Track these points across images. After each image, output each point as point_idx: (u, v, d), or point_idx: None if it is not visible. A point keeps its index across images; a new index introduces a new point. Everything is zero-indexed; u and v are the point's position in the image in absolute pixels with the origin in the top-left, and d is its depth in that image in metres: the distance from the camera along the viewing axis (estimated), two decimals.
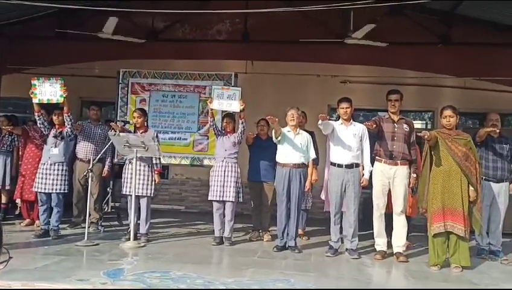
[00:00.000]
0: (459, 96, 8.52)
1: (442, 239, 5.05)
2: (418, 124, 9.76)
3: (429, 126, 9.57)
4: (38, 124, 6.14)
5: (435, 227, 5.03)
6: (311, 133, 6.08)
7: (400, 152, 5.45)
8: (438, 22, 8.08)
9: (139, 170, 5.87)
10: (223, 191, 5.92)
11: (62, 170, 6.02)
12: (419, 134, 5.19)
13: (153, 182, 5.98)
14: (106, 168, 6.75)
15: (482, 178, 5.44)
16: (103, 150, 6.35)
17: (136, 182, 5.81)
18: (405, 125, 5.54)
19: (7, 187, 7.10)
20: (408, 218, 5.68)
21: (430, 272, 4.98)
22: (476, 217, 5.10)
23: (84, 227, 5.85)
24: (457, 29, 7.83)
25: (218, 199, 5.95)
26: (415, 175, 5.51)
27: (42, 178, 5.96)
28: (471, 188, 5.04)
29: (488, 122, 5.76)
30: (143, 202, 5.95)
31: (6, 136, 7.23)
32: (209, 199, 6.09)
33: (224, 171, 5.97)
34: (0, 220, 1.32)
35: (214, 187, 5.99)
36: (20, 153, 7.11)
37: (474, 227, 5.16)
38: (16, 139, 7.25)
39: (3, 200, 7.16)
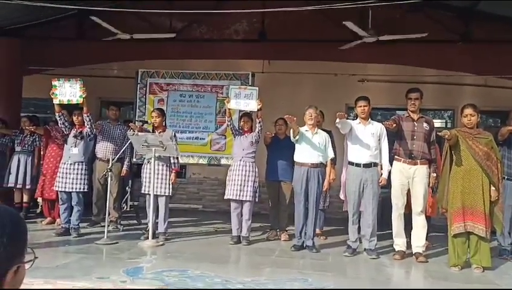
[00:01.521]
0: (480, 95, 8.37)
1: (462, 239, 4.97)
2: (438, 123, 9.64)
3: (449, 125, 9.44)
4: (59, 124, 6.23)
5: (455, 227, 4.96)
6: (329, 133, 6.05)
7: (419, 151, 5.38)
8: (458, 19, 7.96)
9: (158, 169, 5.91)
10: (241, 191, 5.92)
11: (82, 169, 6.10)
12: (439, 133, 5.12)
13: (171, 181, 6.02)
14: (125, 167, 6.81)
15: (504, 177, 5.35)
16: (122, 150, 6.41)
17: (155, 181, 5.85)
18: (425, 124, 5.47)
19: (28, 186, 7.22)
20: (428, 218, 5.62)
21: (451, 272, 4.92)
22: (497, 217, 5.01)
23: (104, 226, 5.93)
24: (477, 27, 7.70)
25: (235, 198, 5.95)
26: (434, 175, 5.45)
27: (63, 177, 6.05)
28: (492, 187, 4.96)
29: (510, 120, 5.67)
30: (161, 201, 6.00)
31: (28, 136, 7.35)
32: (225, 197, 6.10)
33: (242, 170, 5.97)
34: (24, 219, 1.33)
35: (231, 186, 5.99)
36: (42, 152, 7.22)
37: (496, 227, 5.09)
38: (37, 139, 7.36)
39: (25, 199, 7.28)
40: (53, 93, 5.94)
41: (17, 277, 1.13)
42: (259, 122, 5.94)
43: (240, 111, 6.48)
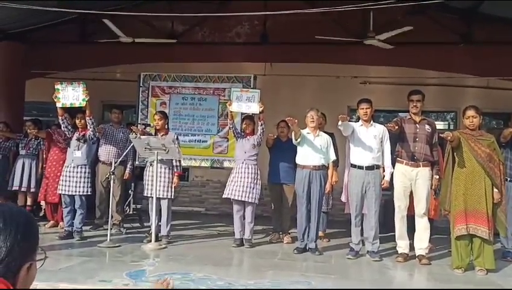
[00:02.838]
0: (482, 96, 8.37)
1: (465, 242, 4.96)
2: (440, 125, 9.63)
3: (452, 127, 9.43)
4: (62, 128, 6.24)
5: (457, 229, 4.94)
6: (331, 135, 6.05)
7: (422, 153, 5.37)
8: (460, 21, 7.96)
9: (160, 172, 5.92)
10: (243, 192, 5.92)
11: (85, 172, 6.11)
12: (442, 135, 5.11)
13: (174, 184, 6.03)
14: (128, 170, 6.81)
15: (507, 179, 5.34)
16: (125, 153, 6.42)
17: (157, 184, 5.86)
18: (427, 126, 5.46)
19: (32, 190, 7.23)
20: (430, 220, 5.61)
21: (454, 274, 4.91)
22: (500, 219, 5.00)
23: (107, 229, 5.93)
24: (480, 28, 7.69)
25: (237, 198, 5.94)
26: (437, 177, 5.44)
27: (66, 180, 6.06)
28: (495, 189, 4.95)
29: None
30: (164, 204, 6.00)
31: (33, 139, 7.37)
32: (224, 196, 6.09)
33: (244, 173, 5.97)
34: (35, 219, 1.37)
35: (232, 186, 5.98)
36: (44, 156, 7.24)
37: (499, 229, 5.07)
38: (41, 143, 7.37)
39: (29, 202, 7.30)
40: (56, 96, 5.95)
41: (30, 274, 1.19)
42: (261, 125, 5.94)
43: (242, 114, 6.49)
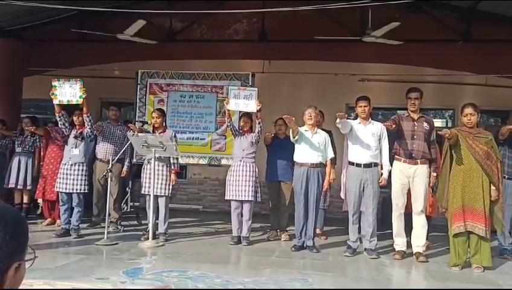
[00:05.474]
0: (481, 94, 8.36)
1: (463, 239, 4.96)
2: (438, 123, 9.64)
3: (450, 124, 9.44)
4: (59, 125, 6.22)
5: (455, 227, 4.95)
6: (329, 132, 6.04)
7: (419, 151, 5.37)
8: (459, 19, 7.95)
9: (158, 170, 5.91)
10: (241, 191, 5.91)
11: (82, 170, 6.09)
12: (439, 132, 5.11)
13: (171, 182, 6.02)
14: (125, 168, 6.80)
15: (504, 177, 5.34)
16: (122, 150, 6.40)
17: (155, 182, 5.85)
18: (425, 124, 5.46)
19: (28, 187, 7.21)
20: (428, 218, 5.61)
21: (451, 272, 4.90)
22: (498, 217, 5.00)
23: (104, 226, 5.92)
24: (478, 26, 7.68)
25: (236, 198, 5.95)
26: (435, 174, 5.43)
27: (63, 178, 6.04)
28: (492, 187, 4.95)
29: (511, 119, 5.64)
30: (161, 202, 5.99)
31: (29, 137, 7.34)
32: (226, 198, 6.10)
33: (242, 170, 5.96)
34: (25, 219, 1.36)
35: (231, 186, 5.99)
36: (42, 153, 7.21)
37: (496, 227, 5.08)
38: (37, 140, 7.34)
39: (25, 200, 7.27)
40: (53, 93, 5.93)
41: (18, 274, 1.16)
42: (259, 123, 5.93)
43: (240, 111, 6.47)
